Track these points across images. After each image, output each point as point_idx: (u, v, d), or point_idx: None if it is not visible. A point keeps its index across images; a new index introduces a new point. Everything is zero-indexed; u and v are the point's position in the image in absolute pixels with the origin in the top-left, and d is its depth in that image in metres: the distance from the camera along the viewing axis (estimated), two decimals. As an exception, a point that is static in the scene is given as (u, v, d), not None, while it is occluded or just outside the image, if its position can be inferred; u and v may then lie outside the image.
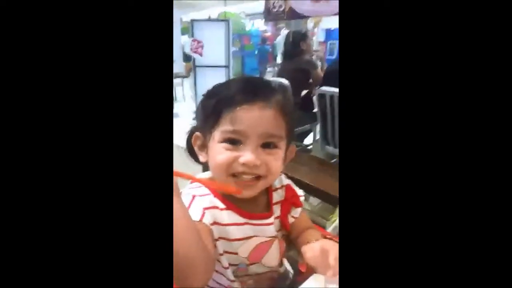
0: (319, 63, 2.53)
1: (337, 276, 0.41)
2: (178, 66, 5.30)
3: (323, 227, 1.10)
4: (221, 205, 0.47)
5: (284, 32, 3.33)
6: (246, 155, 0.43)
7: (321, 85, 1.99)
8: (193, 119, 0.53)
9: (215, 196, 0.47)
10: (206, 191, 0.47)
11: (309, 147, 2.33)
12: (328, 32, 8.90)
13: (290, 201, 0.53)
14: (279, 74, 2.28)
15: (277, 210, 0.52)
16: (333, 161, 1.81)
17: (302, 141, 2.41)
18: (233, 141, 0.44)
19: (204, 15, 6.70)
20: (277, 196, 0.53)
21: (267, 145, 0.45)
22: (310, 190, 1.24)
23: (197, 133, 0.50)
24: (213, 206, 0.46)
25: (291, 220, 0.54)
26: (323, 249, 0.42)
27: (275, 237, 0.51)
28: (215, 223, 0.46)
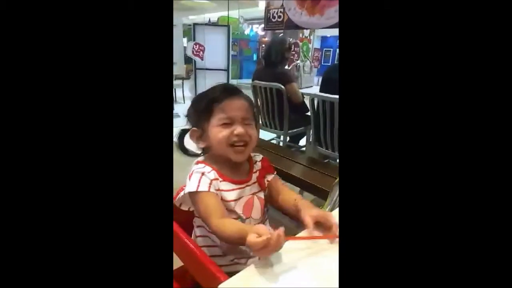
0: (296, 74, 2.52)
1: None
2: (179, 68, 5.41)
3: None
4: (220, 178, 0.70)
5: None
6: (238, 129, 0.68)
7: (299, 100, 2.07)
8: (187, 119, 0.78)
9: (215, 171, 0.71)
10: (209, 168, 0.70)
11: (302, 149, 2.50)
12: (324, 39, 9.15)
13: (265, 169, 0.78)
14: (254, 79, 2.23)
15: (255, 177, 0.76)
16: (325, 161, 1.98)
17: (297, 142, 2.58)
18: (226, 124, 0.69)
19: (204, 19, 6.83)
20: (256, 166, 0.78)
21: (246, 123, 0.70)
22: (304, 185, 1.40)
23: (194, 128, 0.73)
24: (215, 178, 0.70)
25: (266, 182, 0.78)
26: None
27: (253, 194, 0.74)
28: (218, 190, 0.69)
